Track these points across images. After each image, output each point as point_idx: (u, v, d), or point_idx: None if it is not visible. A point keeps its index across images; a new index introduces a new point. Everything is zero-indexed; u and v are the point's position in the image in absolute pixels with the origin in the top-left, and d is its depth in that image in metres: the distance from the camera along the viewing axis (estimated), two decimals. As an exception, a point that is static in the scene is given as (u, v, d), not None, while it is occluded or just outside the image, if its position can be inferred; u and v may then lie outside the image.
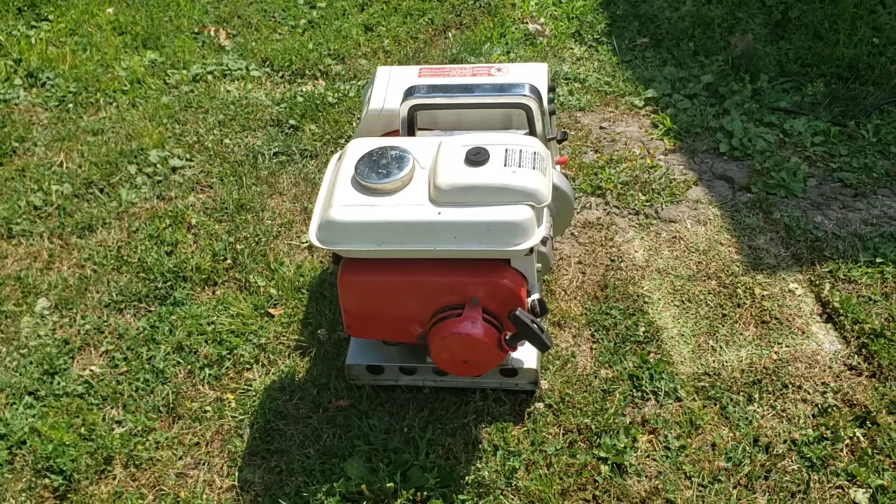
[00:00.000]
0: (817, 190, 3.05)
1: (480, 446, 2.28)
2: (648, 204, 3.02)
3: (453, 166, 2.03)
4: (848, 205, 2.98)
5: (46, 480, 2.27)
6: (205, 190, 3.19)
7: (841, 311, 2.58)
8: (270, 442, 2.34)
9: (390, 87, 2.41)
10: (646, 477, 2.21)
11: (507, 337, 2.12)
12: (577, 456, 2.25)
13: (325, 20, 4.17)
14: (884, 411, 2.31)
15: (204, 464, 2.31)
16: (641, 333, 2.56)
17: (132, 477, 2.28)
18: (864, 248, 2.78)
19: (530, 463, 2.24)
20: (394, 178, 2.04)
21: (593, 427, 2.31)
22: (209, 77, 3.80)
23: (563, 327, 2.60)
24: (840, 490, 2.16)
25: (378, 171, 2.06)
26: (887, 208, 2.95)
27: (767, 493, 2.16)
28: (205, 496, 2.23)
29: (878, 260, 2.73)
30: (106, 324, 2.69)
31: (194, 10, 4.26)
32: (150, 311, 2.72)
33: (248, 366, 2.54)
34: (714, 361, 2.48)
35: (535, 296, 2.14)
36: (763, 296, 2.66)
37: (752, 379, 2.42)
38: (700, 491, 2.17)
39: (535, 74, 2.42)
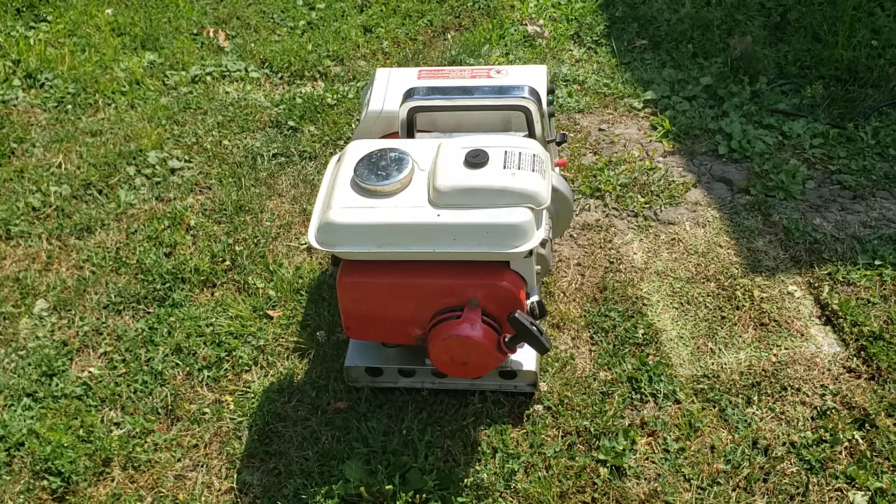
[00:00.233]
0: (816, 192, 3.05)
1: (479, 448, 2.28)
2: (647, 206, 3.02)
3: (453, 168, 2.03)
4: (847, 207, 2.98)
5: (45, 482, 2.26)
6: (203, 191, 3.19)
7: (840, 313, 2.58)
8: (269, 444, 2.33)
9: (389, 88, 2.41)
10: (645, 479, 2.21)
11: (506, 339, 2.12)
12: (576, 458, 2.25)
13: (324, 21, 4.17)
14: (882, 414, 2.31)
15: (202, 466, 2.31)
16: (640, 335, 2.56)
17: (130, 479, 2.28)
18: (863, 251, 2.78)
19: (529, 465, 2.24)
20: (393, 180, 2.04)
21: (592, 429, 2.31)
22: (208, 78, 3.79)
23: (562, 329, 2.60)
24: (839, 492, 2.16)
25: (377, 172, 2.06)
26: (886, 210, 2.95)
27: (766, 496, 2.16)
28: (203, 498, 2.23)
29: (877, 262, 2.73)
30: (104, 325, 2.68)
31: (193, 11, 4.26)
32: (148, 313, 2.72)
33: (246, 367, 2.54)
34: (713, 363, 2.48)
35: (535, 298, 2.14)
36: (762, 298, 2.66)
37: (751, 381, 2.42)
38: (699, 493, 2.17)
39: (534, 76, 2.42)
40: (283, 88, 3.75)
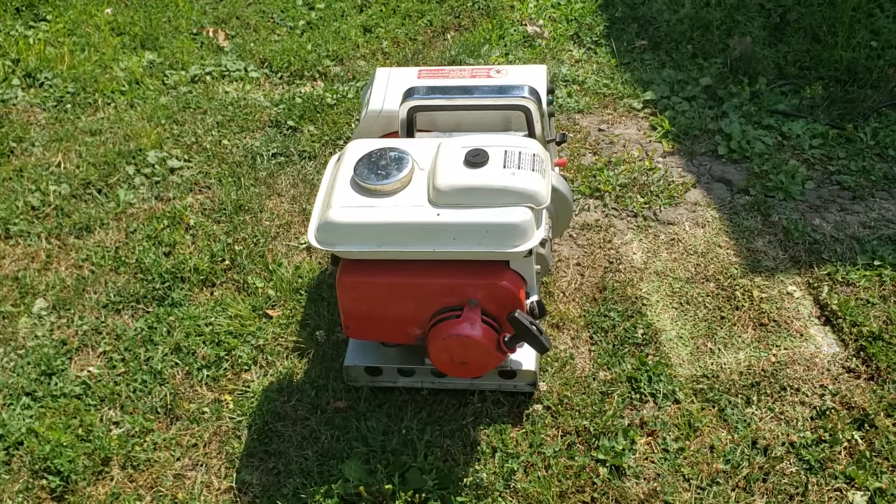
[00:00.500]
0: (815, 193, 3.05)
1: (479, 448, 2.28)
2: (647, 206, 3.02)
3: (452, 168, 2.03)
4: (846, 207, 2.98)
5: (44, 481, 2.26)
6: (203, 191, 3.19)
7: (839, 313, 2.58)
8: (268, 443, 2.33)
9: (389, 88, 2.41)
10: (644, 479, 2.21)
11: (505, 338, 2.12)
12: (576, 458, 2.25)
13: (323, 21, 4.17)
14: (882, 414, 2.31)
15: (202, 465, 2.31)
16: (640, 335, 2.56)
17: (130, 478, 2.28)
18: (863, 251, 2.78)
19: (529, 465, 2.24)
20: (393, 180, 2.04)
21: (592, 429, 2.31)
22: (208, 78, 3.79)
23: (561, 329, 2.60)
24: (838, 493, 2.16)
25: (377, 172, 2.06)
26: (885, 211, 2.95)
27: (766, 496, 2.16)
28: (202, 497, 2.23)
29: (876, 263, 2.74)
30: (104, 324, 2.68)
31: (193, 10, 4.26)
32: (147, 312, 2.71)
33: (246, 367, 2.53)
34: (712, 363, 2.48)
35: (534, 297, 2.14)
36: (761, 298, 2.66)
37: (750, 381, 2.42)
38: (698, 493, 2.17)
39: (533, 76, 2.42)
40: (283, 88, 3.75)
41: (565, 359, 2.50)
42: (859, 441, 2.26)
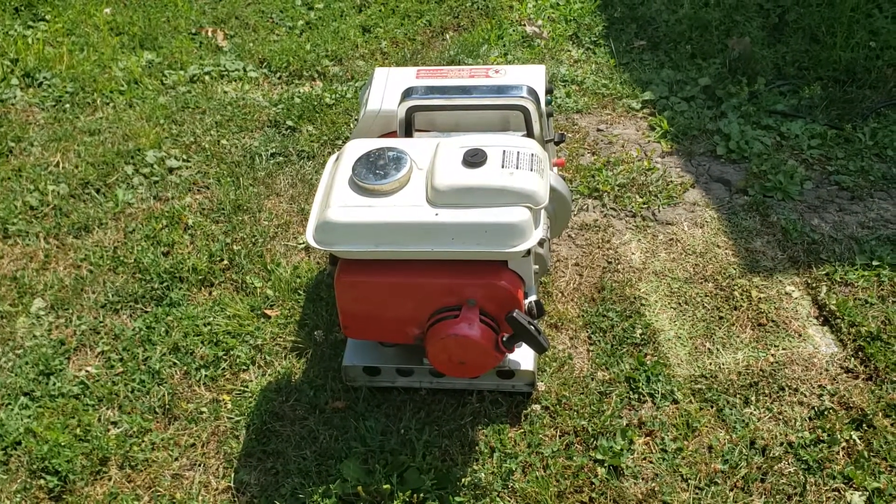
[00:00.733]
0: (814, 193, 3.05)
1: (477, 448, 2.28)
2: (645, 206, 3.02)
3: (451, 167, 2.03)
4: (844, 208, 2.98)
5: (41, 481, 2.26)
6: (201, 191, 3.19)
7: (837, 313, 2.58)
8: (267, 443, 2.33)
9: (388, 88, 2.41)
10: (642, 479, 2.21)
11: (504, 338, 2.12)
12: (574, 458, 2.25)
13: (322, 21, 4.17)
14: (880, 414, 2.31)
15: (200, 465, 2.30)
16: (638, 336, 2.56)
17: (128, 478, 2.28)
18: (861, 251, 2.78)
19: (527, 465, 2.24)
20: (391, 180, 2.04)
21: (590, 429, 2.31)
22: (206, 78, 3.79)
23: (560, 329, 2.60)
24: (836, 493, 2.16)
25: (375, 172, 2.06)
26: (884, 211, 2.95)
27: (764, 496, 2.16)
28: (200, 497, 2.23)
29: (875, 263, 2.74)
30: (102, 324, 2.68)
31: (192, 10, 4.26)
32: (146, 312, 2.71)
33: (244, 367, 2.53)
34: (711, 364, 2.48)
35: (533, 297, 2.14)
36: (760, 298, 2.66)
37: (748, 381, 2.42)
38: (696, 493, 2.17)
39: (532, 76, 2.42)
40: (282, 88, 3.75)
41: (564, 359, 2.50)
42: (857, 441, 2.26)
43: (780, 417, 2.33)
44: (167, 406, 2.44)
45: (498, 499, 2.18)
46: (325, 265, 2.82)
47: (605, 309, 2.64)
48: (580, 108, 3.51)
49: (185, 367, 2.53)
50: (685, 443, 2.28)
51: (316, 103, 3.57)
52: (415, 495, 2.14)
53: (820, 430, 2.28)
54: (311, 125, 3.47)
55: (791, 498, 2.16)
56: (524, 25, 4.03)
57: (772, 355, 2.49)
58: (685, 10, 3.95)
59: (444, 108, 2.30)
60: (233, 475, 2.27)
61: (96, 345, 2.62)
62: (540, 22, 4.05)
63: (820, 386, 2.41)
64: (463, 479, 2.21)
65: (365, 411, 2.37)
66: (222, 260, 2.86)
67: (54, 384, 2.50)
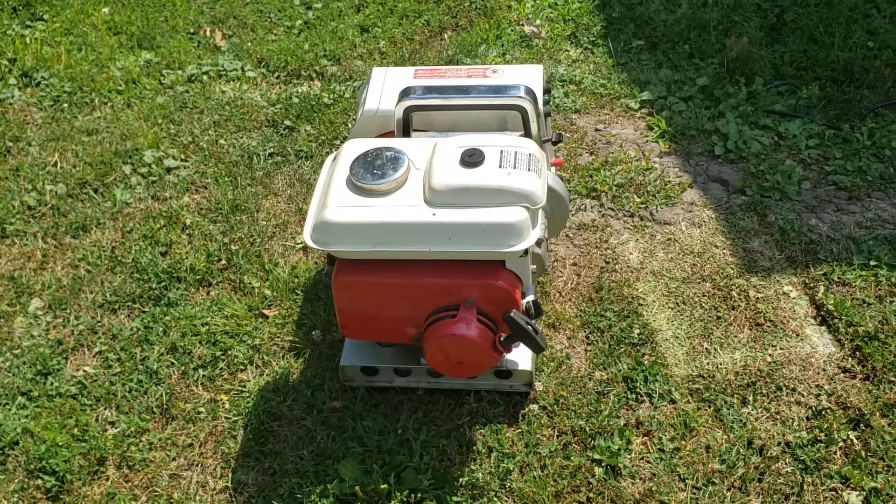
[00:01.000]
0: (812, 193, 3.05)
1: (474, 448, 2.28)
2: (643, 206, 3.02)
3: (448, 167, 2.03)
4: (842, 208, 2.98)
5: (39, 481, 2.26)
6: (199, 190, 3.19)
7: (835, 313, 2.58)
8: (264, 443, 2.33)
9: (386, 88, 2.41)
10: (640, 479, 2.21)
11: (501, 338, 2.12)
12: (572, 458, 2.25)
13: (320, 21, 4.17)
14: (877, 414, 2.31)
15: (197, 465, 2.30)
16: (636, 335, 2.56)
17: (125, 478, 2.28)
18: (859, 251, 2.79)
19: (524, 465, 2.24)
20: (389, 179, 2.04)
21: (587, 429, 2.31)
22: (204, 77, 3.79)
23: (557, 329, 2.60)
24: (833, 492, 2.16)
25: (373, 171, 2.06)
26: (881, 211, 2.95)
27: (761, 496, 2.16)
28: (198, 497, 2.23)
29: (872, 263, 2.74)
30: (99, 324, 2.68)
31: (190, 10, 4.26)
32: (143, 312, 2.71)
33: (242, 367, 2.53)
34: (708, 364, 2.48)
35: (530, 297, 2.14)
36: (757, 298, 2.66)
37: (746, 381, 2.42)
38: (694, 493, 2.17)
39: (530, 76, 2.42)
40: (280, 88, 3.75)
41: (561, 359, 2.50)
42: (855, 441, 2.26)
43: (778, 417, 2.34)
44: (165, 406, 2.44)
45: (495, 498, 2.18)
46: (322, 265, 2.82)
47: (602, 309, 2.64)
48: (578, 108, 3.51)
49: (182, 367, 2.53)
50: (683, 443, 2.28)
51: (314, 103, 3.56)
52: (412, 495, 2.14)
53: (817, 430, 2.29)
54: (309, 125, 3.47)
55: (788, 498, 2.16)
56: (522, 25, 4.03)
57: (769, 355, 2.50)
58: (683, 10, 3.95)
59: (442, 108, 2.30)
60: (230, 475, 2.27)
61: (94, 345, 2.62)
62: (538, 22, 4.05)
63: (817, 386, 2.41)
64: (460, 479, 2.21)
65: (362, 411, 2.37)
66: (220, 260, 2.86)
67: (52, 384, 2.49)
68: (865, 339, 2.50)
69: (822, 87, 3.51)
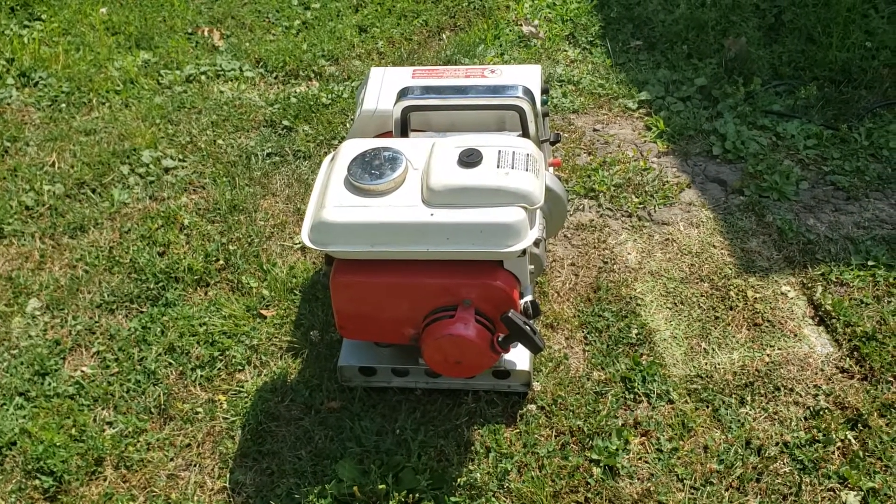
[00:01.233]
0: (810, 193, 3.05)
1: (472, 448, 2.28)
2: (641, 206, 3.02)
3: (446, 168, 2.03)
4: (840, 208, 2.99)
5: (36, 481, 2.25)
6: (197, 190, 3.18)
7: (833, 313, 2.58)
8: (262, 443, 2.33)
9: (384, 88, 2.41)
10: (638, 479, 2.21)
11: (499, 339, 2.12)
12: (570, 458, 2.25)
13: (319, 21, 4.16)
14: (875, 414, 2.31)
15: (195, 465, 2.30)
16: (634, 336, 2.56)
17: (123, 478, 2.27)
18: (856, 251, 2.79)
19: (522, 465, 2.24)
20: (387, 180, 2.04)
21: (585, 429, 2.31)
22: (202, 77, 3.79)
23: (555, 329, 2.60)
24: (831, 492, 2.16)
25: (371, 172, 2.05)
26: (879, 211, 2.95)
27: (759, 496, 2.16)
28: (196, 498, 2.23)
29: (870, 263, 2.74)
30: (97, 324, 2.68)
31: (188, 10, 4.25)
32: (141, 312, 2.71)
33: (239, 367, 2.53)
34: (706, 364, 2.48)
35: (528, 297, 2.14)
36: (755, 298, 2.66)
37: (744, 381, 2.42)
38: (692, 493, 2.17)
39: (528, 76, 2.42)
40: (278, 88, 3.75)
41: (559, 359, 2.50)
42: (853, 441, 2.26)
43: (776, 417, 2.34)
44: (162, 406, 2.43)
45: (493, 499, 2.18)
46: (320, 265, 2.82)
47: (600, 309, 2.64)
48: (576, 108, 3.51)
49: (180, 368, 2.53)
50: (681, 443, 2.28)
51: (312, 103, 3.56)
52: (410, 495, 2.14)
53: (815, 430, 2.29)
54: (308, 125, 3.47)
55: (786, 498, 2.16)
56: (521, 25, 4.03)
57: (767, 355, 2.50)
58: (681, 10, 3.95)
59: (440, 108, 2.30)
60: (228, 475, 2.27)
61: (92, 345, 2.62)
62: (536, 22, 4.05)
63: (815, 386, 2.41)
64: (458, 479, 2.21)
65: (360, 411, 2.37)
66: (218, 260, 2.86)
67: (49, 384, 2.49)
68: (863, 339, 2.50)
69: (820, 87, 3.51)
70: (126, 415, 2.41)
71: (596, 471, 2.22)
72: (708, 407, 2.37)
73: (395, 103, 2.26)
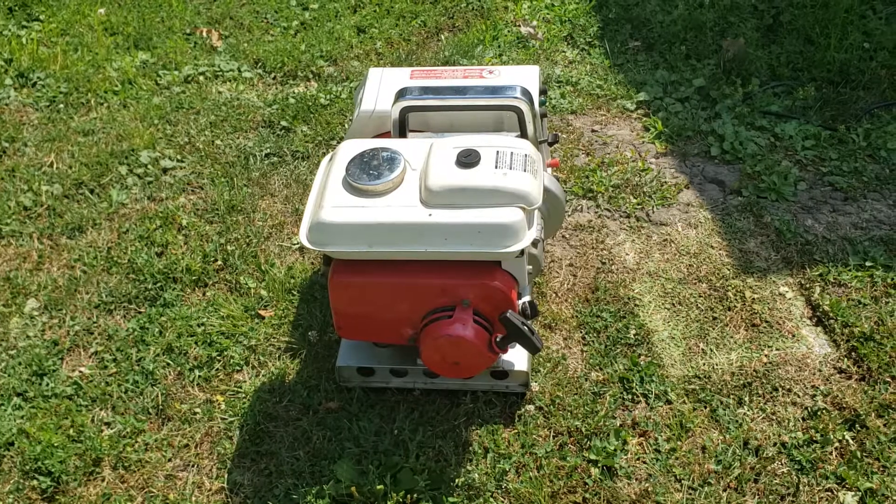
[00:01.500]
0: (808, 194, 3.06)
1: (470, 449, 2.28)
2: (639, 207, 3.02)
3: (444, 168, 2.03)
4: (838, 208, 2.99)
5: (34, 482, 2.25)
6: (196, 191, 3.18)
7: (831, 314, 2.58)
8: (260, 444, 2.33)
9: (382, 88, 2.41)
10: (636, 480, 2.21)
11: (497, 339, 2.12)
12: (568, 458, 2.25)
13: (317, 22, 4.17)
14: (873, 414, 2.32)
15: (193, 466, 2.30)
16: (632, 336, 2.56)
17: (121, 479, 2.27)
18: (854, 252, 2.79)
19: (520, 465, 2.24)
20: (385, 180, 2.04)
21: (583, 429, 2.31)
22: (201, 78, 3.79)
23: (553, 329, 2.60)
24: (829, 493, 2.16)
25: (369, 172, 2.06)
26: (877, 212, 2.96)
27: (757, 496, 2.16)
28: (194, 498, 2.22)
29: (868, 263, 2.74)
30: (95, 325, 2.68)
31: (186, 10, 4.25)
32: (139, 313, 2.71)
33: (237, 367, 2.53)
34: (704, 364, 2.48)
35: (526, 298, 2.14)
36: (753, 299, 2.66)
37: (742, 382, 2.43)
38: (690, 494, 2.17)
39: (526, 77, 2.42)
40: (276, 88, 3.75)
41: (557, 359, 2.50)
42: (850, 441, 2.26)
43: (774, 418, 2.34)
44: (160, 407, 2.43)
45: (492, 499, 2.18)
46: (319, 266, 2.82)
47: (598, 309, 2.64)
48: (575, 109, 3.51)
49: (178, 368, 2.53)
50: (679, 443, 2.28)
51: (310, 104, 3.56)
52: (408, 496, 2.14)
53: (813, 431, 2.29)
54: (306, 125, 3.47)
55: (784, 498, 2.16)
56: (519, 26, 4.03)
57: (765, 356, 2.50)
58: (680, 11, 3.95)
59: (438, 109, 2.30)
60: (226, 476, 2.27)
61: (90, 345, 2.62)
62: (535, 23, 4.05)
63: (813, 386, 2.41)
64: (456, 480, 2.21)
65: (358, 412, 2.37)
66: (216, 260, 2.86)
67: (47, 385, 2.49)
68: (861, 339, 2.50)
69: (819, 88, 3.51)
70: (124, 415, 2.41)
71: (594, 471, 2.22)
72: (706, 407, 2.37)
73: (394, 104, 2.26)
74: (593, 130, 3.41)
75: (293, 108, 3.54)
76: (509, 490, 2.19)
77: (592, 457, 2.24)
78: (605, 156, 3.25)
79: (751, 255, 2.82)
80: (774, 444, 2.27)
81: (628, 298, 2.68)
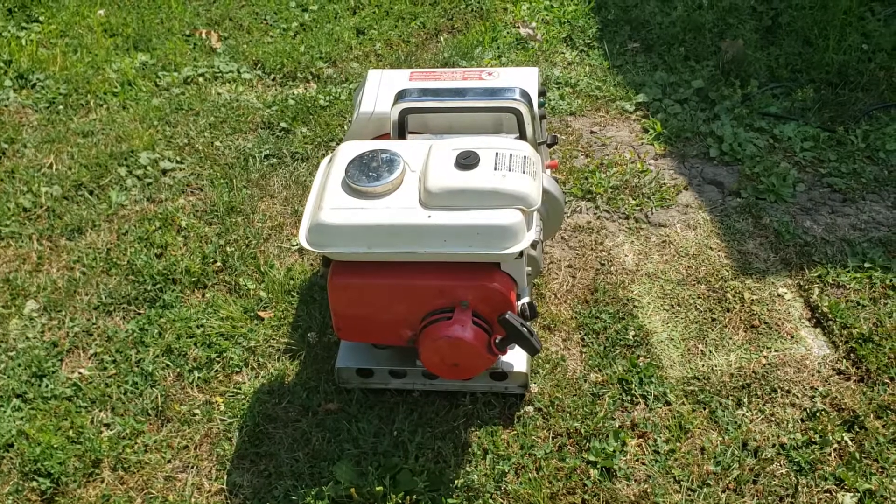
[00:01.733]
0: (806, 195, 3.06)
1: (470, 450, 2.28)
2: (638, 208, 3.03)
3: (443, 170, 2.03)
4: (837, 210, 2.99)
5: (34, 483, 2.25)
6: (195, 192, 3.19)
7: (829, 315, 2.59)
8: (259, 445, 2.33)
9: (381, 90, 2.42)
10: (635, 481, 2.21)
11: (496, 340, 2.12)
12: (567, 460, 2.25)
13: (316, 23, 4.17)
14: (872, 416, 2.32)
15: (192, 467, 2.30)
16: (631, 337, 2.56)
17: (120, 480, 2.27)
18: (853, 253, 2.79)
19: (519, 467, 2.25)
20: (384, 182, 2.04)
21: (583, 431, 2.31)
22: (200, 79, 3.79)
23: (552, 331, 2.60)
24: (828, 494, 2.17)
25: (368, 174, 2.06)
26: (876, 213, 2.96)
27: (756, 498, 2.17)
28: (193, 499, 2.23)
29: (867, 265, 2.75)
30: (95, 326, 2.68)
31: (186, 12, 4.26)
32: (139, 314, 2.71)
33: (237, 369, 2.53)
34: (703, 365, 2.48)
35: (525, 299, 2.14)
36: (752, 300, 2.67)
37: (741, 383, 2.43)
38: (689, 495, 2.18)
39: (525, 78, 2.43)
40: (276, 90, 3.75)
41: (556, 360, 2.50)
42: (849, 443, 2.26)
43: (773, 419, 2.34)
44: (160, 408, 2.43)
45: (491, 500, 2.18)
46: (318, 267, 2.82)
47: (597, 311, 2.64)
48: (574, 111, 3.52)
49: (177, 369, 2.53)
50: (678, 444, 2.28)
51: (310, 105, 3.57)
52: (407, 497, 2.15)
53: (812, 432, 2.29)
54: (305, 127, 3.47)
55: (783, 499, 2.16)
56: (518, 28, 4.03)
57: (764, 357, 2.50)
58: (678, 12, 3.96)
59: (438, 111, 2.30)
60: (225, 477, 2.27)
61: (89, 347, 2.62)
62: (534, 24, 4.05)
63: (812, 387, 2.41)
64: (456, 481, 2.21)
65: (358, 413, 2.37)
66: (215, 262, 2.86)
67: (47, 386, 2.49)
68: (860, 340, 2.50)
69: (817, 89, 3.52)
70: (123, 416, 2.41)
71: (593, 472, 2.22)
72: (705, 409, 2.37)
73: (393, 105, 2.26)
74: (592, 132, 3.41)
75: (292, 110, 3.54)
76: (508, 491, 2.19)
77: (591, 458, 2.25)
78: (603, 157, 3.25)
79: (750, 257, 2.82)
80: (773, 446, 2.27)
81: (627, 300, 2.68)
